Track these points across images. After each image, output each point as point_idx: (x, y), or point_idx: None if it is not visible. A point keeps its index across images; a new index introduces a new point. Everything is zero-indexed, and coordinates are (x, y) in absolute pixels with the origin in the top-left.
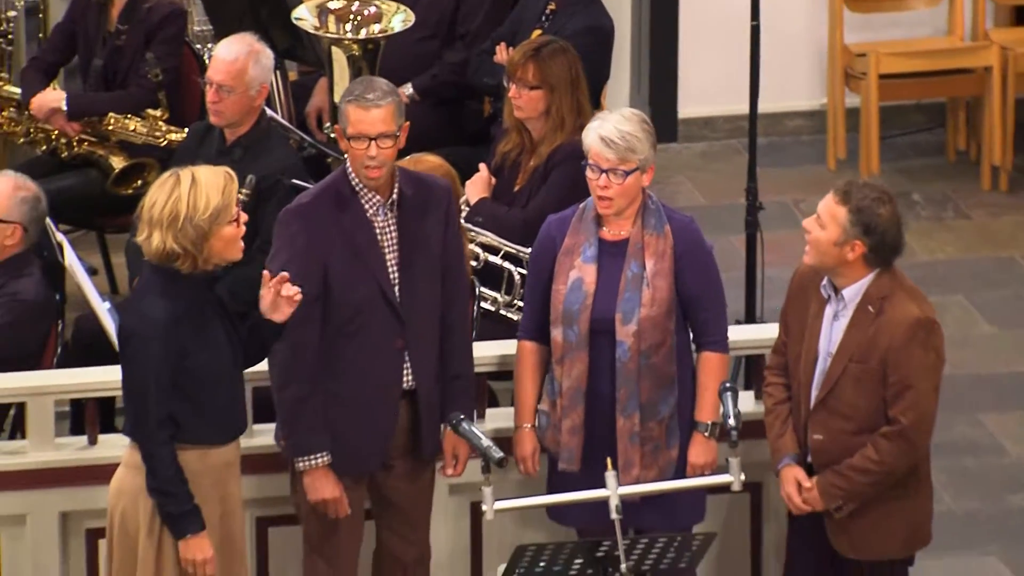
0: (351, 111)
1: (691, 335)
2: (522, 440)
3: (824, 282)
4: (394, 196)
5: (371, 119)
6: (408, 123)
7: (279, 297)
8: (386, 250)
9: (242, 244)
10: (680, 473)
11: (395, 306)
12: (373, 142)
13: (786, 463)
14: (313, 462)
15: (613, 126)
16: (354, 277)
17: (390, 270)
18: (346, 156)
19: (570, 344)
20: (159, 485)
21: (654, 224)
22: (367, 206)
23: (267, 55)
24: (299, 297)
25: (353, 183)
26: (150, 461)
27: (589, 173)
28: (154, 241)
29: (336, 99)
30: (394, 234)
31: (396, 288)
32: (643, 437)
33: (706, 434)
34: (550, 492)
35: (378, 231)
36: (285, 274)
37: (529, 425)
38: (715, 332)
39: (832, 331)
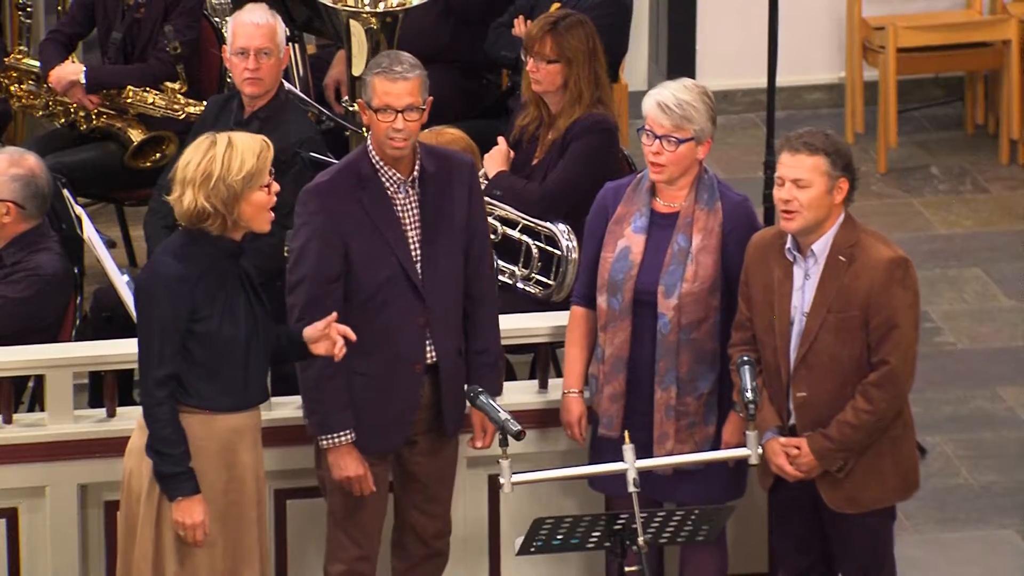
0: (378, 83)
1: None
2: (569, 406)
3: (788, 245)
4: (415, 173)
5: (398, 91)
6: (431, 98)
7: (327, 338)
8: (407, 227)
9: (271, 215)
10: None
11: (416, 284)
12: (400, 115)
13: (769, 437)
14: (337, 440)
15: (671, 93)
16: (375, 255)
17: (412, 247)
18: (367, 132)
19: (614, 312)
20: (153, 444)
21: (706, 199)
22: (387, 183)
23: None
24: (341, 355)
25: (373, 161)
26: (147, 419)
27: (644, 139)
28: (186, 199)
29: (355, 72)
30: (416, 211)
31: (418, 265)
32: (679, 411)
33: (741, 414)
34: (592, 457)
35: (399, 208)
36: (346, 329)
37: (576, 391)
38: None
39: (804, 291)
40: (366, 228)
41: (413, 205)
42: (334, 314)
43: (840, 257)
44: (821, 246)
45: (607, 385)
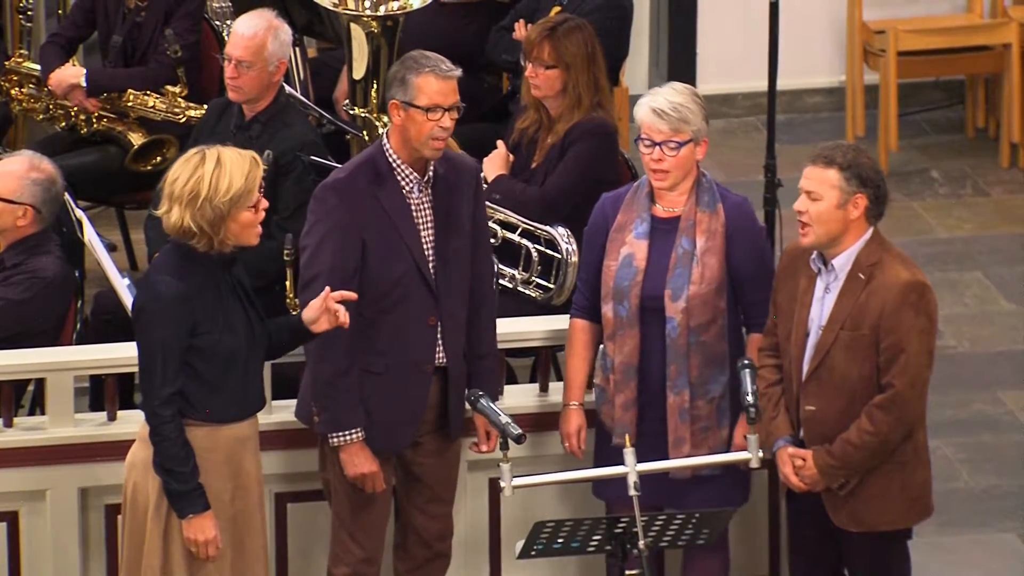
0: (428, 82)
1: (741, 316)
2: (568, 418)
3: (813, 256)
4: (430, 174)
5: (449, 89)
6: None
7: (326, 312)
8: (421, 227)
9: (259, 230)
10: None
11: (430, 283)
12: (447, 113)
13: (780, 445)
14: (349, 437)
15: (664, 98)
16: (391, 253)
17: (426, 247)
18: (367, 137)
19: (621, 320)
20: (162, 462)
21: (707, 201)
22: (403, 183)
23: (285, 30)
24: (346, 322)
25: (390, 159)
26: (155, 438)
27: (642, 147)
28: (172, 216)
29: (355, 76)
30: (429, 212)
31: (431, 265)
32: (693, 415)
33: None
34: (599, 466)
35: (413, 208)
36: (339, 294)
37: (576, 403)
38: (764, 313)
39: (824, 304)
40: (383, 224)
41: (427, 206)
42: (327, 289)
43: (860, 275)
44: (842, 261)
45: (618, 394)
